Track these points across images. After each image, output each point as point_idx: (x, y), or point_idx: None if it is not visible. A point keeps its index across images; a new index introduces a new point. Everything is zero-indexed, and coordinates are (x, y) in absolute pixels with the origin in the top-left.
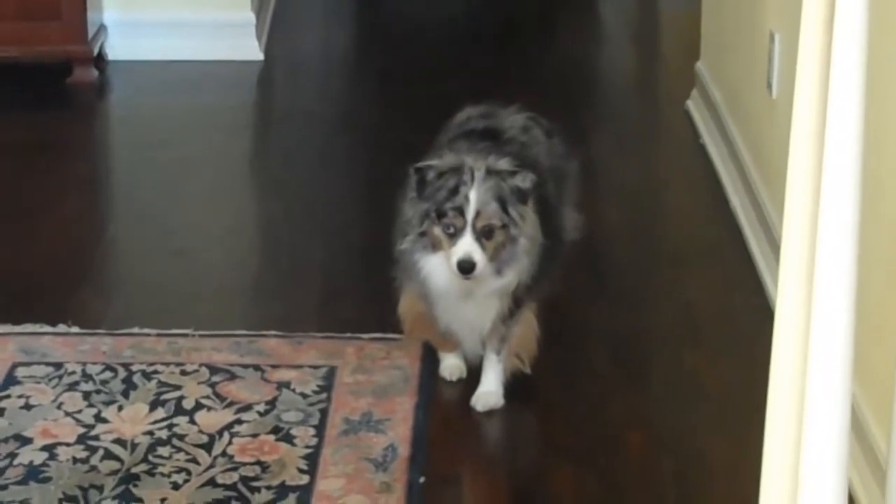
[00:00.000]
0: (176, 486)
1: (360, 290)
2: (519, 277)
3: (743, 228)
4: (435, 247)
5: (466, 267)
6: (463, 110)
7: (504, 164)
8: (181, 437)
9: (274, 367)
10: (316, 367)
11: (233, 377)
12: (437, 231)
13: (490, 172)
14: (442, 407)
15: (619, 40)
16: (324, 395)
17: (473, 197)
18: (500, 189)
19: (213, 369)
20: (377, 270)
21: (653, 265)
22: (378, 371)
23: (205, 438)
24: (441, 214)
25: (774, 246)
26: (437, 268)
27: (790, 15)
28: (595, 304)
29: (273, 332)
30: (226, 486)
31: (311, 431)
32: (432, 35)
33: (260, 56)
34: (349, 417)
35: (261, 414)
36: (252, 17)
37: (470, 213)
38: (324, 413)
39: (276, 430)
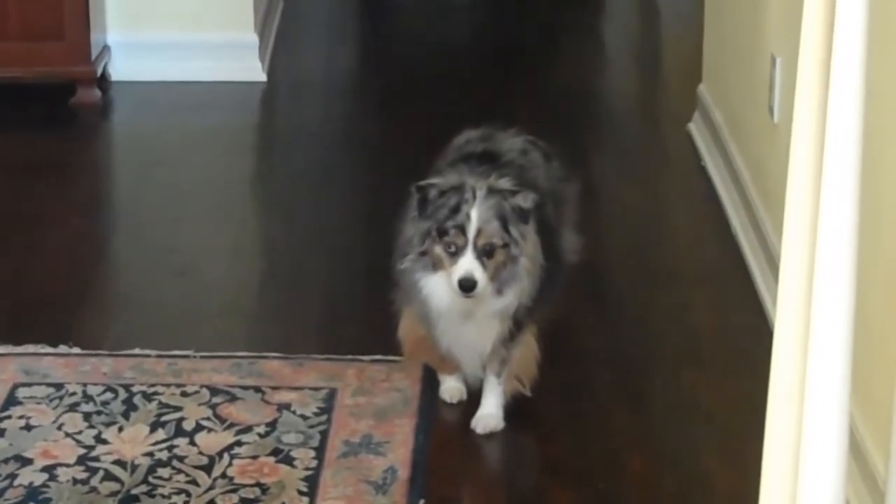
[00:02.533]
0: None
1: (361, 312)
2: (519, 298)
3: (743, 250)
4: (436, 266)
5: (468, 285)
6: (461, 133)
7: (505, 183)
8: (181, 459)
9: (274, 388)
10: (316, 389)
11: (233, 399)
12: (439, 250)
13: (492, 191)
14: (442, 429)
15: (622, 63)
16: (324, 417)
17: (475, 215)
18: (502, 208)
19: (214, 391)
20: (379, 292)
21: (653, 286)
22: (378, 393)
23: (205, 460)
24: (442, 233)
25: (774, 268)
26: (437, 287)
27: (791, 38)
28: (595, 326)
29: (274, 354)
30: None
31: (311, 453)
32: (435, 56)
33: (263, 77)
34: (349, 439)
35: (261, 436)
36: (255, 37)
37: (471, 231)
38: (324, 435)
39: (276, 452)
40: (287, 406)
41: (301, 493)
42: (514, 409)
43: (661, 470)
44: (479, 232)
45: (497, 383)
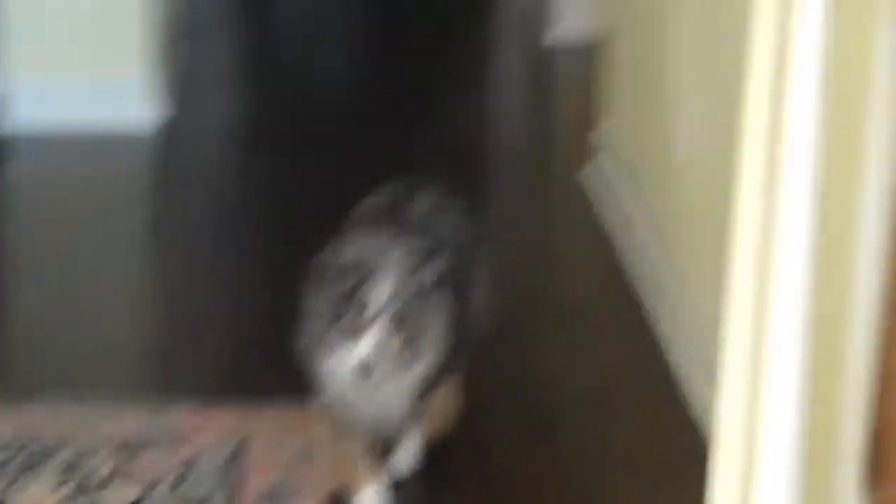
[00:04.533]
0: None
1: (269, 356)
2: (426, 372)
3: (643, 295)
4: (337, 345)
5: (369, 366)
6: (370, 196)
7: (409, 256)
8: None
9: (184, 437)
10: (226, 437)
11: (142, 449)
12: (339, 330)
13: (395, 266)
14: None
15: (512, 110)
16: (235, 465)
17: (377, 293)
18: (406, 283)
19: (121, 441)
20: (285, 335)
21: (555, 335)
22: (290, 440)
23: None
24: (343, 312)
25: (676, 306)
26: (338, 367)
27: (694, 83)
28: (502, 376)
29: (182, 402)
30: None
31: (223, 502)
32: (327, 102)
33: (159, 123)
34: (263, 487)
35: (172, 487)
36: (150, 83)
37: (373, 310)
38: (237, 484)
39: None
40: (197, 455)
41: None
42: (428, 458)
43: None
44: (381, 310)
45: (412, 432)
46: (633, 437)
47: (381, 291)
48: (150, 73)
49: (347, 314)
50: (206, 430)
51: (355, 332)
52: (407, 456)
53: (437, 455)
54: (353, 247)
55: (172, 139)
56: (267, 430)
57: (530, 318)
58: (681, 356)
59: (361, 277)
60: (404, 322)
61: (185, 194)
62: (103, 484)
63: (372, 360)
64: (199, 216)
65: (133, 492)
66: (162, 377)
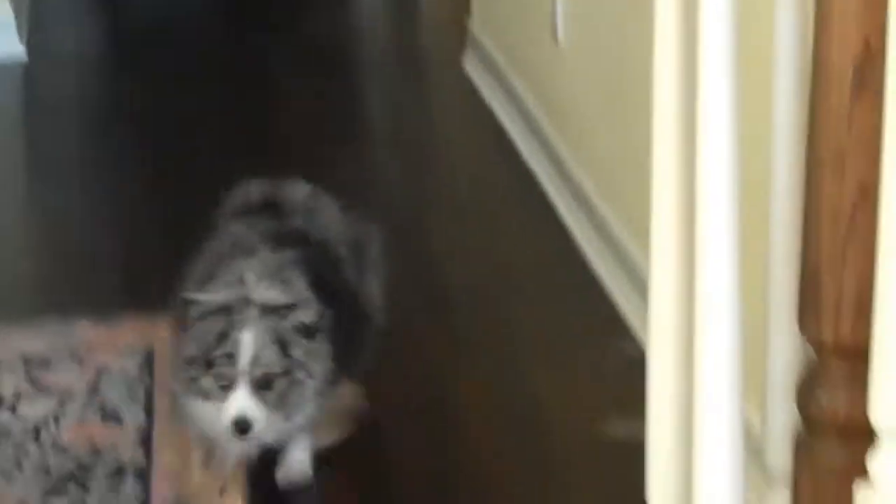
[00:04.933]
0: (9, 478)
1: (163, 267)
2: (308, 419)
3: (536, 173)
4: (207, 394)
5: (242, 427)
6: (241, 185)
7: (281, 296)
8: (6, 432)
9: (90, 351)
10: (133, 347)
11: (50, 366)
12: (207, 383)
13: (266, 310)
14: None
15: (376, 8)
16: (146, 374)
17: (247, 341)
18: (279, 328)
19: (28, 360)
20: (175, 244)
21: (457, 226)
22: None
23: (31, 429)
24: (210, 363)
25: (569, 185)
26: (208, 415)
27: None
28: (408, 264)
29: (84, 317)
30: (61, 476)
31: (139, 410)
32: (187, 26)
33: (22, 52)
34: (176, 392)
35: (85, 399)
36: (11, 13)
37: (243, 361)
38: (149, 391)
39: (103, 414)
40: (106, 367)
41: (137, 450)
42: None
43: (495, 399)
44: (253, 361)
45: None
46: (540, 316)
47: (252, 340)
48: (11, 5)
49: (216, 364)
50: (111, 343)
51: (226, 388)
52: (296, 466)
53: None
54: (222, 283)
55: (36, 69)
56: (172, 337)
57: (430, 213)
58: (583, 232)
59: (229, 324)
60: (279, 375)
61: (54, 122)
62: (18, 397)
63: (244, 420)
64: (71, 145)
65: (49, 403)
66: (57, 302)
